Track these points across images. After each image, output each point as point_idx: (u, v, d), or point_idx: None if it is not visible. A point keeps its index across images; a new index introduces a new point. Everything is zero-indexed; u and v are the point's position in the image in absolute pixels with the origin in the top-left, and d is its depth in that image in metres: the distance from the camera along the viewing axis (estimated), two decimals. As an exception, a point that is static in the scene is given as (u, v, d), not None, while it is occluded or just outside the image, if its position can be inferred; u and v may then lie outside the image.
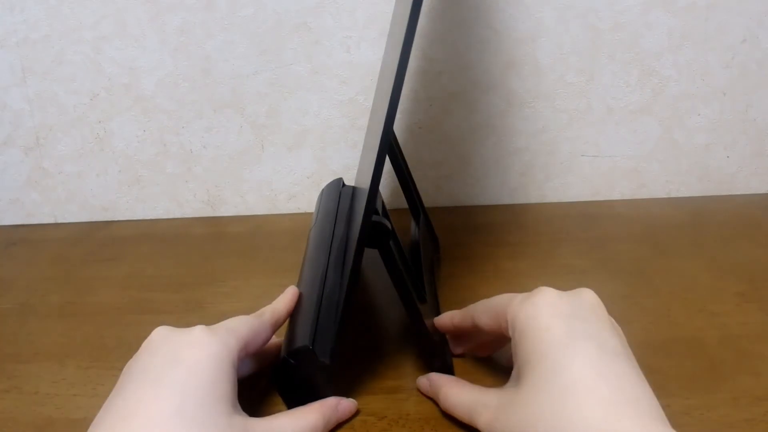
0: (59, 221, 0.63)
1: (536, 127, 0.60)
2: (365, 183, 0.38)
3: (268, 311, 0.36)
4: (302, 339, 0.33)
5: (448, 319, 0.38)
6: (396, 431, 0.34)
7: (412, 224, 0.47)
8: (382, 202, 0.38)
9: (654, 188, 0.62)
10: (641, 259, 0.50)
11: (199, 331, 0.31)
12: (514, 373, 0.31)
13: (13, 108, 0.59)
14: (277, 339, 0.38)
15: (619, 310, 0.44)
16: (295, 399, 0.34)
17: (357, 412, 0.35)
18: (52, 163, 0.61)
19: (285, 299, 0.38)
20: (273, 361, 0.37)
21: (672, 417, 0.33)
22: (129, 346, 0.42)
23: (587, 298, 0.31)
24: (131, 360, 0.32)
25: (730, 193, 0.63)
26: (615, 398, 0.26)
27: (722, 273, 0.48)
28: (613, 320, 0.31)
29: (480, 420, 0.31)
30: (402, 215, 0.52)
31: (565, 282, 0.47)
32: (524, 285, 0.47)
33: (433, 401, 0.35)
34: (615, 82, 0.58)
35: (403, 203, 0.49)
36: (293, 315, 0.37)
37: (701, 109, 0.59)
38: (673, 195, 0.63)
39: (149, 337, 0.32)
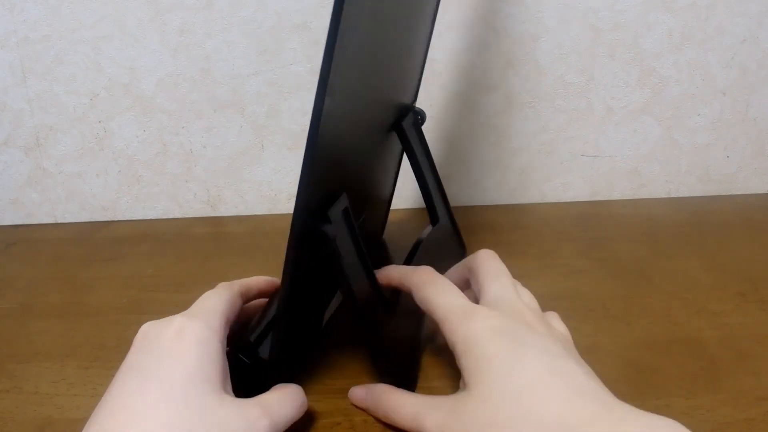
0: (59, 221, 0.63)
1: (536, 127, 0.60)
2: None
3: (237, 283, 0.37)
4: (249, 332, 0.34)
5: (384, 279, 0.37)
6: (396, 431, 0.34)
7: (427, 227, 0.47)
8: (346, 205, 0.37)
9: (654, 188, 0.62)
10: (641, 259, 0.50)
11: (180, 320, 0.31)
12: (462, 383, 0.31)
13: (13, 108, 0.59)
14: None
15: (619, 310, 0.44)
16: (240, 391, 0.33)
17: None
18: (52, 163, 0.61)
19: (258, 279, 0.38)
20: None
21: (672, 417, 0.34)
22: (129, 346, 0.42)
23: (522, 309, 0.32)
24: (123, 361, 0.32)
25: (730, 193, 0.63)
26: (572, 392, 0.27)
27: (722, 273, 0.48)
28: (554, 326, 0.33)
29: (427, 423, 0.30)
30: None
31: (565, 282, 0.48)
32: (524, 285, 0.47)
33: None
34: (615, 82, 0.58)
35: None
36: (263, 309, 0.37)
37: (701, 109, 0.59)
38: (673, 195, 0.63)
39: (136, 335, 0.32)
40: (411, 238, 0.45)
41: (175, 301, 0.48)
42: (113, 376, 0.39)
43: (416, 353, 0.39)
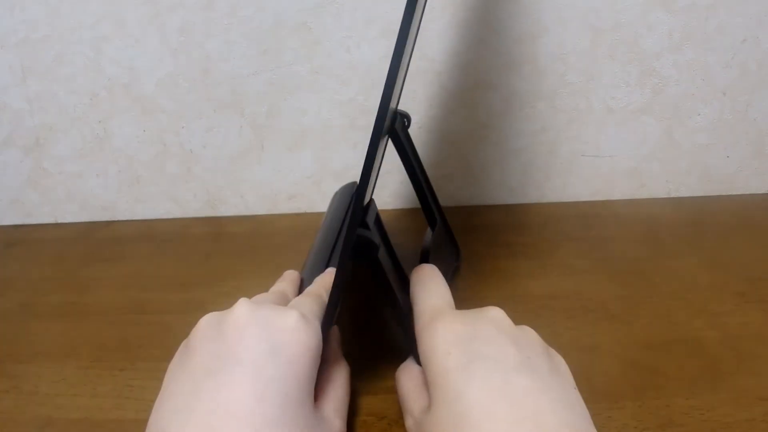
0: (59, 221, 0.63)
1: (536, 127, 0.60)
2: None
3: (324, 292, 0.34)
4: None
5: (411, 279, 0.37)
6: (396, 431, 0.34)
7: (428, 232, 0.47)
8: (376, 213, 0.37)
9: (654, 188, 0.62)
10: (641, 259, 0.50)
11: (296, 318, 0.29)
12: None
13: (13, 108, 0.59)
14: None
15: (619, 310, 0.44)
16: None
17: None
18: (52, 163, 0.61)
19: (327, 284, 0.36)
20: None
21: (672, 417, 0.34)
22: (129, 346, 0.42)
23: (490, 315, 0.31)
24: (209, 329, 0.29)
25: (730, 193, 0.63)
26: (513, 416, 0.25)
27: (722, 273, 0.48)
28: (523, 335, 0.30)
29: (406, 421, 0.31)
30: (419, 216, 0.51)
31: (565, 282, 0.48)
32: (524, 285, 0.48)
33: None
34: (615, 82, 0.58)
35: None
36: None
37: (701, 109, 0.59)
38: (673, 195, 0.63)
39: (235, 311, 0.29)
40: (403, 237, 0.45)
41: (175, 301, 0.48)
42: (113, 376, 0.40)
43: None
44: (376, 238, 0.33)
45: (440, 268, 0.38)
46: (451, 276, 0.48)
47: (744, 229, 0.56)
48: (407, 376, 0.33)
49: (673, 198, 0.63)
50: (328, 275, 0.37)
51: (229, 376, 0.26)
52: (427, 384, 0.30)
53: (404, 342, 0.35)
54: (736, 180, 0.62)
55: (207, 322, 0.30)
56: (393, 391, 0.36)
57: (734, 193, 0.63)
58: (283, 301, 0.35)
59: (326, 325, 0.33)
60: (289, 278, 0.39)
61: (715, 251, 0.52)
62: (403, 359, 0.39)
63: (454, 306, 0.33)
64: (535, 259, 0.51)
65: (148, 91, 0.58)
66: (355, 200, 0.31)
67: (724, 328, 0.41)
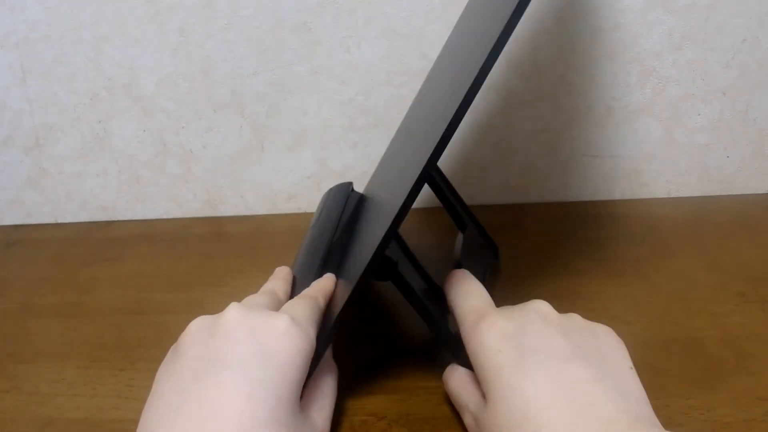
0: (59, 221, 0.63)
1: (536, 127, 0.60)
2: (385, 201, 0.37)
3: (321, 297, 0.35)
4: None
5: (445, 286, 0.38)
6: (396, 431, 0.34)
7: (458, 237, 0.47)
8: None
9: (654, 188, 0.62)
10: (641, 259, 0.50)
11: (287, 323, 0.29)
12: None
13: (13, 108, 0.59)
14: None
15: (619, 310, 0.44)
16: None
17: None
18: (52, 163, 0.61)
19: (330, 283, 0.37)
20: None
21: (672, 417, 0.34)
22: (129, 346, 0.42)
23: (534, 308, 0.31)
24: (199, 333, 0.29)
25: (730, 193, 0.63)
26: (571, 407, 0.26)
27: (722, 273, 0.48)
28: (571, 323, 0.31)
29: (464, 419, 0.32)
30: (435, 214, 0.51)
31: (565, 282, 0.48)
32: (524, 285, 0.48)
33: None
34: (615, 82, 0.58)
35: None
36: None
37: (701, 109, 0.59)
38: (673, 195, 0.63)
39: (225, 315, 0.29)
40: (424, 238, 0.44)
41: (175, 301, 0.48)
42: (113, 376, 0.40)
43: None
44: (395, 254, 0.33)
45: (477, 270, 0.38)
46: (490, 273, 0.48)
47: (744, 229, 0.56)
48: (454, 376, 0.34)
49: (673, 198, 0.63)
50: (326, 280, 0.37)
51: (218, 378, 0.26)
52: (477, 381, 0.30)
53: (436, 343, 0.35)
54: (736, 180, 0.62)
55: (197, 326, 0.30)
56: (393, 391, 0.36)
57: (734, 193, 0.63)
58: (275, 302, 0.35)
59: (329, 333, 0.33)
60: (280, 276, 0.39)
61: (715, 251, 0.52)
62: (402, 359, 0.39)
63: (494, 304, 0.33)
64: (535, 259, 0.51)
65: (148, 91, 0.58)
66: (392, 224, 0.30)
67: (724, 328, 0.41)
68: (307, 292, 0.35)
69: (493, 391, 0.28)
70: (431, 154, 0.29)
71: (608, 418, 0.25)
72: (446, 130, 0.29)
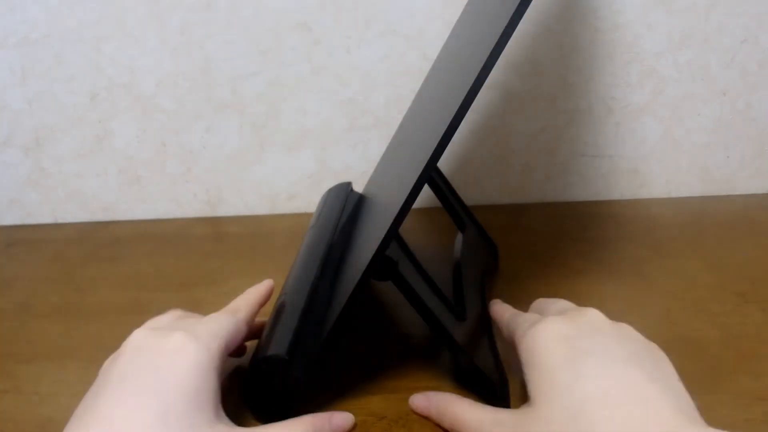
0: (59, 221, 0.63)
1: (536, 127, 0.60)
2: (384, 202, 0.37)
3: (243, 307, 0.36)
4: (278, 347, 0.32)
5: (497, 314, 0.38)
6: (396, 431, 0.34)
7: (457, 238, 0.47)
8: None
9: (654, 188, 0.62)
10: (641, 259, 0.50)
11: (180, 337, 0.30)
12: (529, 396, 0.31)
13: (12, 108, 0.59)
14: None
15: (619, 310, 0.44)
16: (264, 411, 0.34)
17: (354, 426, 0.34)
18: (52, 163, 0.61)
19: (258, 292, 0.38)
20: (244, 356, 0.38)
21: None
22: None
23: (590, 316, 0.32)
24: (109, 361, 0.31)
25: (730, 193, 0.63)
26: (629, 403, 0.26)
27: (722, 273, 0.48)
28: (623, 331, 0.31)
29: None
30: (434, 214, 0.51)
31: (565, 282, 0.48)
32: (524, 285, 0.48)
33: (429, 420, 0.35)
34: (615, 82, 0.58)
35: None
36: (273, 317, 0.36)
37: (701, 109, 0.59)
38: (673, 195, 0.63)
39: (128, 340, 0.31)
40: (424, 238, 0.45)
41: (175, 301, 0.48)
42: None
43: (499, 366, 0.37)
44: (395, 254, 0.33)
45: (476, 270, 0.38)
46: (489, 275, 0.48)
47: (744, 229, 0.56)
48: (463, 401, 0.33)
49: (673, 198, 0.63)
50: (256, 288, 0.38)
51: (116, 392, 0.28)
52: (526, 386, 0.30)
53: (437, 342, 0.35)
54: (736, 180, 0.62)
55: (109, 359, 0.32)
56: (393, 391, 0.36)
57: (734, 193, 0.63)
58: (235, 318, 0.35)
59: (328, 333, 0.33)
60: (246, 295, 0.39)
61: (715, 251, 0.52)
62: (402, 359, 0.39)
63: None
64: (535, 259, 0.51)
65: (148, 91, 0.58)
66: (392, 224, 0.31)
67: (724, 328, 0.41)
68: (229, 305, 0.37)
69: (543, 392, 0.28)
70: (431, 155, 0.29)
71: (665, 415, 0.26)
72: (446, 131, 0.29)
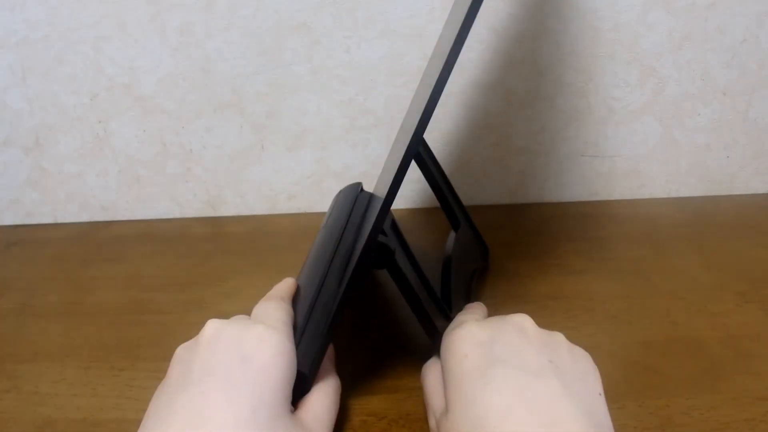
0: (59, 221, 0.63)
1: (536, 127, 0.60)
2: (381, 192, 0.37)
3: (287, 296, 0.35)
4: None
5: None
6: (396, 431, 0.34)
7: (450, 235, 0.47)
8: (392, 216, 0.38)
9: (654, 188, 0.62)
10: (641, 259, 0.50)
11: (263, 329, 0.30)
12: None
13: (12, 108, 0.59)
14: None
15: (619, 310, 0.44)
16: None
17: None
18: (52, 163, 0.61)
19: (291, 282, 0.37)
20: None
21: (672, 417, 0.34)
22: (129, 346, 0.42)
23: (513, 321, 0.31)
24: (183, 350, 0.30)
25: (730, 193, 0.63)
26: (532, 422, 0.25)
27: (722, 273, 0.48)
28: (550, 339, 0.30)
29: (429, 420, 0.32)
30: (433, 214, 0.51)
31: (565, 282, 0.48)
32: (524, 285, 0.48)
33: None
34: (615, 82, 0.58)
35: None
36: None
37: (701, 109, 0.59)
38: (673, 195, 0.63)
39: (205, 331, 0.30)
40: (420, 237, 0.45)
41: (175, 301, 0.48)
42: (113, 376, 0.40)
43: None
44: (393, 243, 0.33)
45: (466, 270, 0.38)
46: (478, 275, 0.48)
47: (744, 229, 0.56)
48: (433, 374, 0.33)
49: (673, 198, 0.63)
50: (284, 282, 0.37)
51: (203, 386, 0.27)
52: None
53: (432, 345, 0.35)
54: (736, 180, 0.62)
55: (180, 350, 0.31)
56: (393, 391, 0.36)
57: (734, 193, 0.63)
58: (287, 306, 0.35)
59: (329, 327, 0.33)
60: (285, 285, 0.39)
61: (715, 251, 0.52)
62: (402, 359, 0.39)
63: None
64: (535, 259, 0.51)
65: (148, 91, 0.58)
66: (378, 214, 0.31)
67: (724, 328, 0.41)
68: (271, 293, 0.36)
69: (454, 397, 0.28)
70: (416, 127, 0.30)
71: None
72: (428, 102, 0.29)
